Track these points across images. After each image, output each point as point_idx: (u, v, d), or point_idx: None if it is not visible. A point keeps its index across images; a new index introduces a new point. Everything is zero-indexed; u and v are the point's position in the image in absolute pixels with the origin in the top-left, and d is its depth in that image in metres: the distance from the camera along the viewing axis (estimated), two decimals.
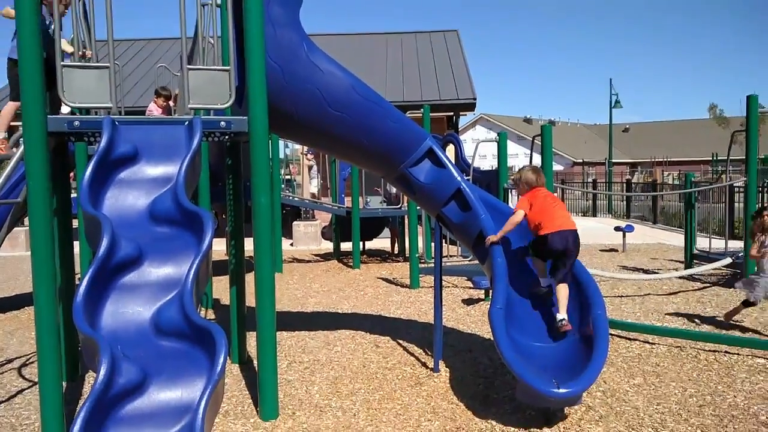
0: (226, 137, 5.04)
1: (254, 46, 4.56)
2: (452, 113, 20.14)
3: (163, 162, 4.39)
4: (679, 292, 9.19)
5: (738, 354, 5.98)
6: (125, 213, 4.15)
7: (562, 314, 4.85)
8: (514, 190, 9.29)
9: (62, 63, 4.32)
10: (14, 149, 5.12)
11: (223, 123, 4.78)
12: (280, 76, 4.86)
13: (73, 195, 6.32)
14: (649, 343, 6.42)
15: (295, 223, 15.98)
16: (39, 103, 3.98)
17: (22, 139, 4.12)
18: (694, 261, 10.70)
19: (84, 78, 4.39)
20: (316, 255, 14.15)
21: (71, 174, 6.61)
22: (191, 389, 3.47)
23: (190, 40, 5.73)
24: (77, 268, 6.64)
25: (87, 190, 3.96)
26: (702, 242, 11.77)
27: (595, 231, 18.63)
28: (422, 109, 10.51)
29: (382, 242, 14.69)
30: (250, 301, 5.50)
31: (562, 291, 4.93)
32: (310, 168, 17.07)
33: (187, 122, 4.57)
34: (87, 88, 4.40)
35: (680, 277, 10.05)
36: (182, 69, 4.71)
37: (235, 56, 4.84)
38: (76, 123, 4.42)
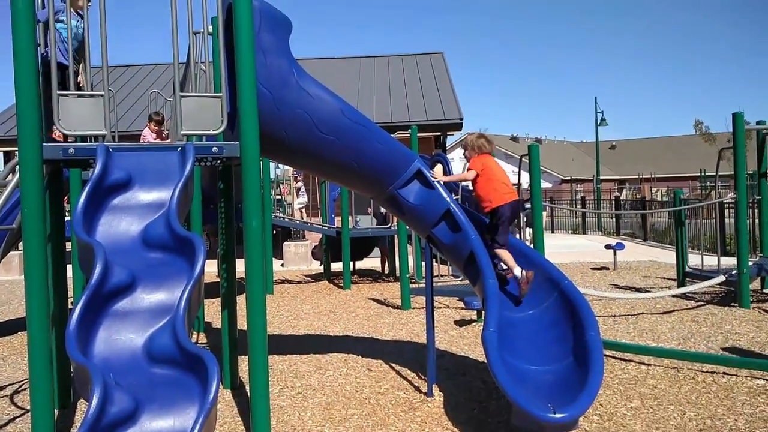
0: (218, 162, 5.06)
1: (245, 73, 4.58)
2: (439, 133, 20.21)
3: (156, 188, 4.38)
4: (673, 311, 9.18)
5: (737, 375, 5.89)
6: (118, 239, 4.13)
7: (517, 269, 5.15)
8: None
9: (58, 92, 4.33)
10: (10, 176, 5.13)
11: (215, 148, 4.79)
12: (271, 102, 4.89)
13: (67, 218, 6.31)
14: (644, 364, 6.36)
15: (285, 243, 15.96)
16: (35, 131, 4.01)
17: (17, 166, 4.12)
18: (687, 279, 10.65)
19: (79, 106, 4.41)
20: (306, 275, 14.14)
21: (65, 197, 6.60)
22: (184, 418, 3.43)
23: (182, 67, 5.76)
24: (70, 292, 6.59)
25: (81, 218, 3.95)
26: (694, 259, 11.71)
27: (585, 249, 18.70)
28: (410, 130, 10.54)
29: (372, 261, 14.69)
30: (242, 323, 5.47)
31: (505, 254, 5.24)
32: (297, 190, 17.22)
33: (180, 148, 4.58)
34: (82, 116, 4.42)
35: (674, 296, 10.01)
36: (175, 96, 4.73)
37: (226, 83, 4.87)
38: (71, 150, 4.43)
